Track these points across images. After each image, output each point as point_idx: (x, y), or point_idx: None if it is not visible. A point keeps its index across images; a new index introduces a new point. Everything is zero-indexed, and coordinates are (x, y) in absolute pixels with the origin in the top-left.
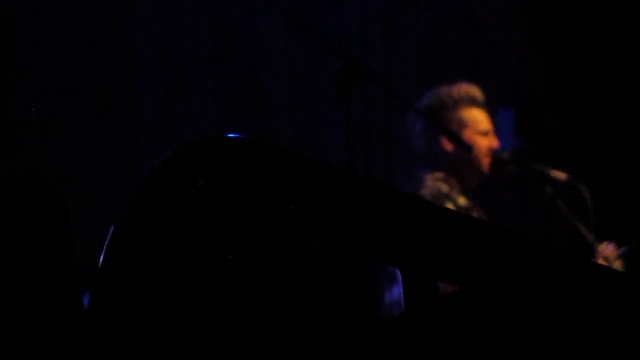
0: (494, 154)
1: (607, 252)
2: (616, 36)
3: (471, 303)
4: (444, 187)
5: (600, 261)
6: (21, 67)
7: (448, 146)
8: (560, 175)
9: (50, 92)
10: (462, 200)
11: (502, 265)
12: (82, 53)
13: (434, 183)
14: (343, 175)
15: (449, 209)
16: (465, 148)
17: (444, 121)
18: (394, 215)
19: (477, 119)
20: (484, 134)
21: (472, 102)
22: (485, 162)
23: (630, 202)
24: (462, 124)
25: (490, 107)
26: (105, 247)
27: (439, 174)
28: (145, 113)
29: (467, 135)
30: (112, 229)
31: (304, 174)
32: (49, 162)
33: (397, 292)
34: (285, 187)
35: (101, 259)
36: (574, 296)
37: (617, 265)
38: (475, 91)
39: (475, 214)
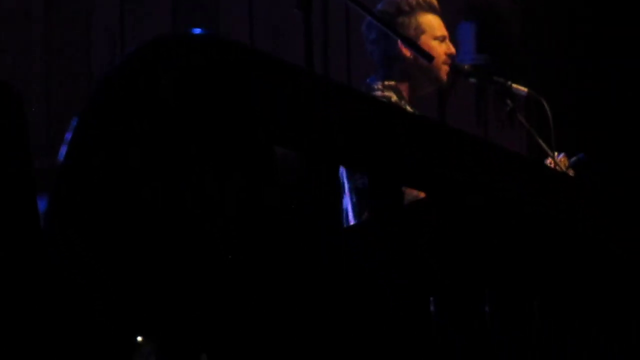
0: (455, 66)
1: (559, 162)
2: None
3: (436, 208)
4: (394, 97)
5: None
6: None
7: (407, 52)
8: (521, 89)
9: None
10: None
11: (465, 170)
12: None
13: (383, 93)
14: (307, 74)
15: (414, 114)
16: (426, 57)
17: (400, 27)
18: (359, 117)
19: (434, 24)
20: (441, 39)
21: (429, 8)
22: (443, 69)
23: (589, 116)
24: (419, 30)
25: (453, 20)
26: (68, 141)
27: (390, 82)
28: (100, 18)
29: (424, 41)
30: (75, 121)
31: (269, 70)
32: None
33: (345, 203)
34: (248, 84)
35: (62, 155)
36: (530, 199)
37: (569, 173)
38: None
39: None
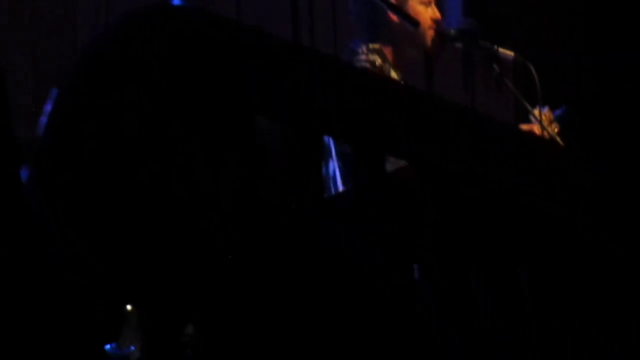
0: (441, 31)
1: (543, 117)
2: None
3: (418, 177)
4: (378, 60)
5: (536, 128)
6: None
7: (393, 17)
8: (507, 53)
9: None
10: (394, 75)
11: (448, 138)
12: None
13: (367, 56)
14: (293, 46)
15: (396, 81)
16: (413, 23)
17: None
18: (344, 86)
19: None
20: (427, 4)
21: None
22: (429, 34)
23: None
24: None
25: None
26: (48, 112)
27: (375, 46)
28: None
29: (412, 5)
30: (55, 91)
31: (252, 44)
32: None
33: (332, 167)
34: (234, 56)
35: (43, 126)
36: (511, 162)
37: (554, 127)
38: None
39: None
